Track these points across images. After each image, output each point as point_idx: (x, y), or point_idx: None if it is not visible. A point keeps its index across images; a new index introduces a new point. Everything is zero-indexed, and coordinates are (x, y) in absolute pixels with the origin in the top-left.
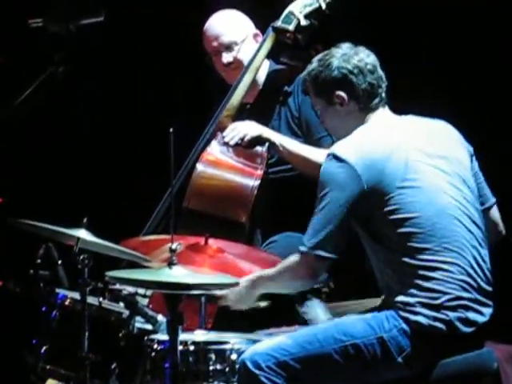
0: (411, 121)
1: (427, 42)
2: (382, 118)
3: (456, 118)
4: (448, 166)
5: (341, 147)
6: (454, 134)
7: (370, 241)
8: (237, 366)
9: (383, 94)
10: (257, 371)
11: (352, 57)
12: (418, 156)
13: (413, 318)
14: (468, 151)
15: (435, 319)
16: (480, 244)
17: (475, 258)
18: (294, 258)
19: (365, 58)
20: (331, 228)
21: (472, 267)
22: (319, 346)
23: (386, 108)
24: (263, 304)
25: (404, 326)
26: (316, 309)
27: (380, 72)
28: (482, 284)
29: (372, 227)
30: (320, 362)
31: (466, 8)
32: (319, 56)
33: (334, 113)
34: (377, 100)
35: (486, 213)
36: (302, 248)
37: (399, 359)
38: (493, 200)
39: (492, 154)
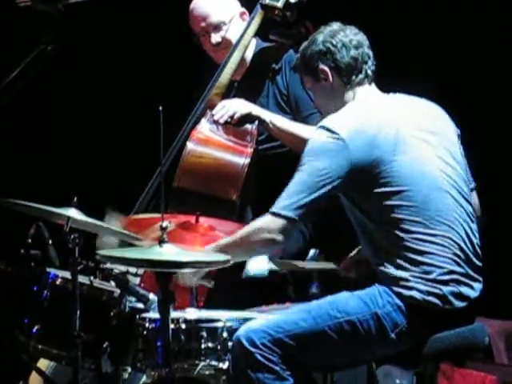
0: (400, 98)
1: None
2: (370, 94)
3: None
4: (437, 141)
5: (332, 120)
6: (442, 112)
7: (360, 214)
8: (230, 344)
9: (369, 71)
10: (252, 349)
11: (338, 32)
12: (407, 130)
13: (406, 293)
14: (455, 131)
15: (429, 294)
16: (470, 218)
17: (466, 232)
18: (263, 218)
19: (351, 34)
20: (307, 195)
21: (464, 241)
22: (314, 322)
23: (373, 85)
24: (210, 284)
25: (398, 301)
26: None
27: (367, 49)
28: (473, 258)
29: (362, 201)
30: (314, 338)
31: None
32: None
33: (322, 89)
34: (361, 76)
35: None
36: (273, 209)
37: (392, 335)
38: (473, 184)
39: (476, 139)
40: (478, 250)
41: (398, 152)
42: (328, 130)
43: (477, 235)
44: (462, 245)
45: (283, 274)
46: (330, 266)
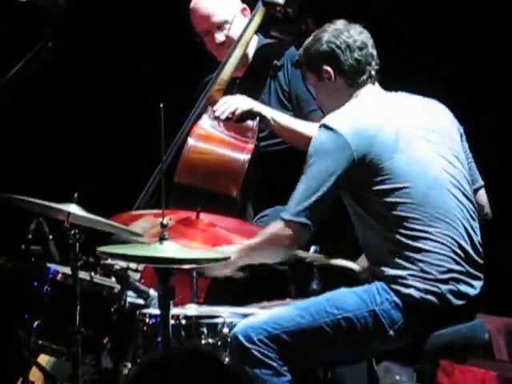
0: (402, 96)
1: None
2: (372, 92)
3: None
4: (438, 139)
5: (332, 118)
6: (444, 111)
7: (360, 210)
8: (228, 340)
9: (372, 72)
10: (249, 345)
11: (342, 32)
12: (408, 128)
13: (405, 290)
14: (458, 129)
15: (427, 292)
16: (471, 216)
17: (466, 230)
18: (276, 225)
19: (355, 34)
20: (317, 197)
21: (464, 239)
22: (311, 319)
23: (377, 85)
24: (240, 274)
25: (396, 298)
26: None
27: (371, 50)
28: (473, 256)
29: (362, 197)
30: (312, 335)
31: None
32: (315, 32)
33: (324, 88)
34: (364, 77)
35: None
36: (286, 215)
37: (391, 332)
38: (481, 182)
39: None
40: (479, 248)
41: (398, 150)
42: (329, 128)
43: (478, 233)
44: (462, 243)
45: (284, 270)
46: (353, 266)
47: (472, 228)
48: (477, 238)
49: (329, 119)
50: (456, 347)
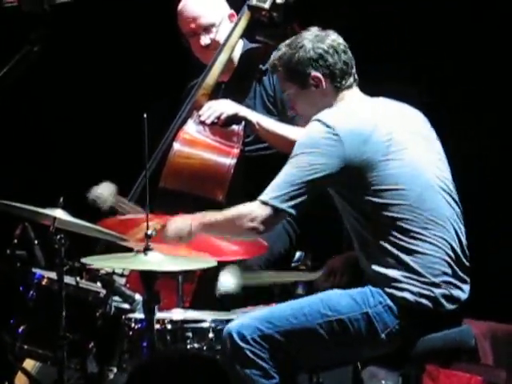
0: (386, 101)
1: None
2: (357, 95)
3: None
4: (426, 144)
5: (329, 115)
6: (424, 118)
7: (354, 212)
8: (216, 344)
9: (355, 75)
10: (242, 344)
11: (325, 37)
12: (400, 132)
13: (399, 294)
14: (436, 136)
15: (421, 295)
16: (459, 219)
17: (456, 232)
18: (250, 205)
19: (337, 39)
20: (298, 188)
21: (455, 241)
22: (305, 320)
23: (358, 88)
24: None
25: (389, 302)
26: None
27: (350, 53)
28: (463, 259)
29: (355, 199)
30: (304, 336)
31: None
32: (286, 42)
33: (308, 95)
34: (351, 79)
35: None
36: (263, 197)
37: (383, 335)
38: None
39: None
40: (467, 251)
41: (391, 152)
42: (324, 124)
43: (464, 236)
44: (454, 245)
45: None
46: (305, 277)
47: (461, 231)
48: (465, 242)
49: (325, 115)
50: (443, 352)
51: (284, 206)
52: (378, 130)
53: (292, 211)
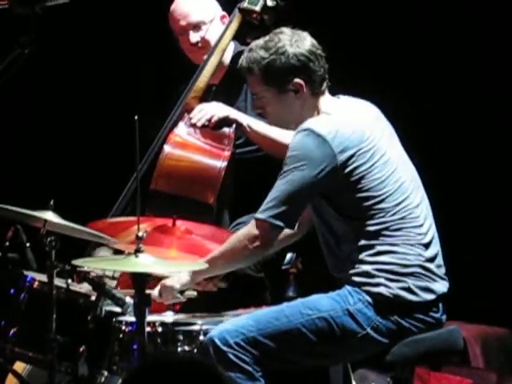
0: (355, 101)
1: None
2: (331, 100)
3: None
4: (395, 143)
5: (318, 124)
6: (380, 112)
7: (331, 210)
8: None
9: (328, 79)
10: (225, 348)
11: (302, 42)
12: (379, 135)
13: (374, 289)
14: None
15: (396, 288)
16: (431, 216)
17: (431, 229)
18: (247, 227)
19: (313, 41)
20: (294, 202)
21: (428, 236)
22: (287, 320)
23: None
24: (223, 285)
25: (368, 298)
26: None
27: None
28: (437, 255)
29: (336, 198)
30: (288, 336)
31: None
32: (260, 43)
33: (285, 99)
34: (325, 84)
35: None
36: (260, 215)
37: (368, 329)
38: None
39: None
40: (439, 248)
41: (375, 156)
42: (315, 133)
43: (437, 234)
44: (428, 240)
45: (260, 277)
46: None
47: (433, 227)
48: (438, 240)
49: (315, 124)
50: (431, 354)
51: (280, 222)
52: (364, 136)
53: (289, 225)
